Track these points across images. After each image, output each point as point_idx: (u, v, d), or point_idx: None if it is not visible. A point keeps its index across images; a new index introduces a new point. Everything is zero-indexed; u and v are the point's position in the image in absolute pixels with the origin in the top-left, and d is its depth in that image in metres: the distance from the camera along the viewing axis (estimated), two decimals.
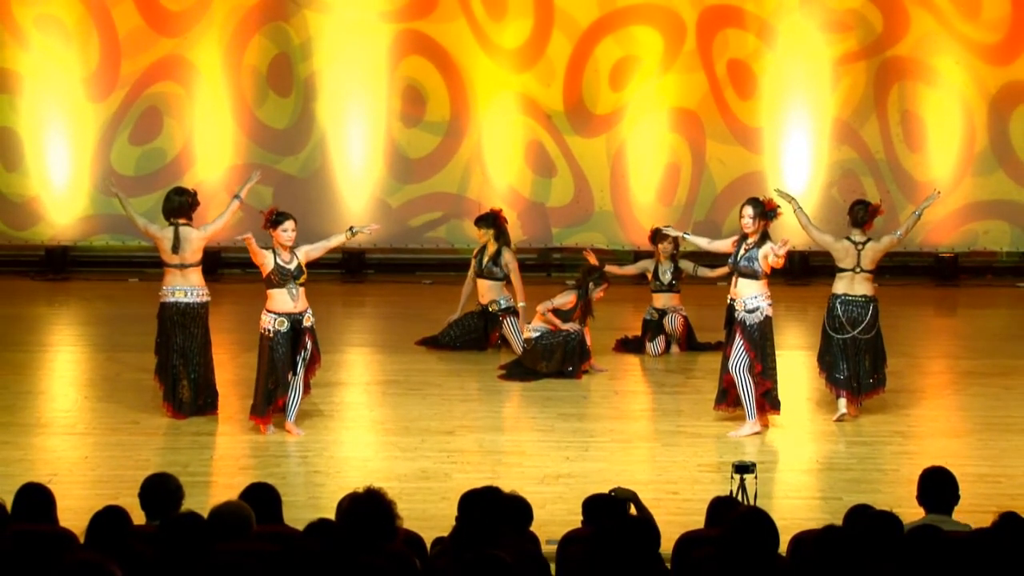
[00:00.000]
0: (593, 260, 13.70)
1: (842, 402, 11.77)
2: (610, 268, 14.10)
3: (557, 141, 18.45)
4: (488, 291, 14.24)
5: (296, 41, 18.42)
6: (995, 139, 18.28)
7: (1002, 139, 18.30)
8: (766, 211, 11.39)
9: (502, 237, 14.29)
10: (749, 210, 11.43)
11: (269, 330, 11.30)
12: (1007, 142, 18.31)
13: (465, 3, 18.28)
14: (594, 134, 18.44)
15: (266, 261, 11.23)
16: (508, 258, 14.17)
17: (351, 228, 11.75)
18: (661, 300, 14.35)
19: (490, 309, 14.22)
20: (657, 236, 14.31)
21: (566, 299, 13.44)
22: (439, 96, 18.44)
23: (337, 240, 11.78)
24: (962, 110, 18.21)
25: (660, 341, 14.24)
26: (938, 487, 7.42)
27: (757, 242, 11.38)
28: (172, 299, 11.71)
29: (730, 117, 18.32)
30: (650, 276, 14.46)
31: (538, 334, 13.38)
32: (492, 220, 14.39)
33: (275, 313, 11.30)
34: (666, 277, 14.36)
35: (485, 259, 14.26)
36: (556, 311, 13.39)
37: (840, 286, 11.85)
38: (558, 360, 13.25)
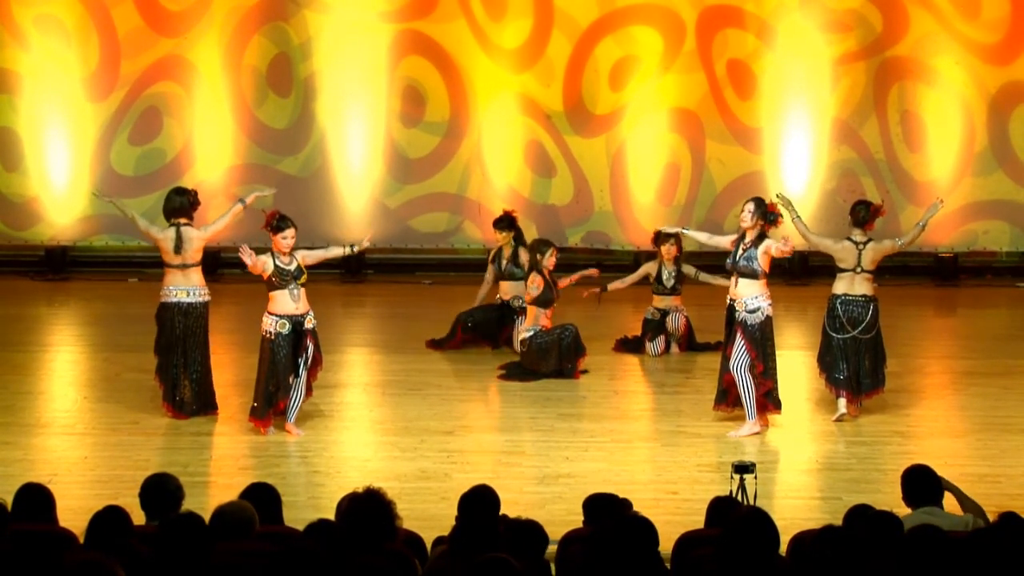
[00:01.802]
0: (596, 276, 13.90)
1: (842, 402, 11.77)
2: (614, 285, 14.33)
3: (557, 141, 18.44)
4: (511, 289, 14.48)
5: (296, 41, 18.41)
6: (995, 139, 18.27)
7: (1002, 139, 18.30)
8: (767, 213, 11.39)
9: (519, 237, 14.55)
10: (750, 206, 11.43)
11: (270, 332, 11.29)
12: (1007, 142, 18.31)
13: (465, 3, 18.27)
14: (594, 134, 18.43)
15: (265, 266, 11.23)
16: (526, 257, 14.32)
17: (351, 246, 11.80)
18: (663, 302, 14.38)
19: (512, 304, 14.33)
20: (660, 238, 14.34)
21: (535, 281, 13.48)
22: (439, 96, 18.43)
23: (335, 252, 11.84)
24: (962, 110, 18.21)
25: (660, 341, 14.25)
26: (921, 485, 7.45)
27: (755, 241, 11.38)
28: (173, 299, 11.71)
29: (730, 117, 18.31)
30: (652, 278, 14.47)
31: (531, 334, 13.40)
32: (510, 222, 14.60)
33: (276, 315, 11.30)
34: (670, 281, 14.37)
35: (504, 261, 14.54)
36: (541, 295, 13.45)
37: (840, 286, 11.86)
38: (555, 359, 13.26)
